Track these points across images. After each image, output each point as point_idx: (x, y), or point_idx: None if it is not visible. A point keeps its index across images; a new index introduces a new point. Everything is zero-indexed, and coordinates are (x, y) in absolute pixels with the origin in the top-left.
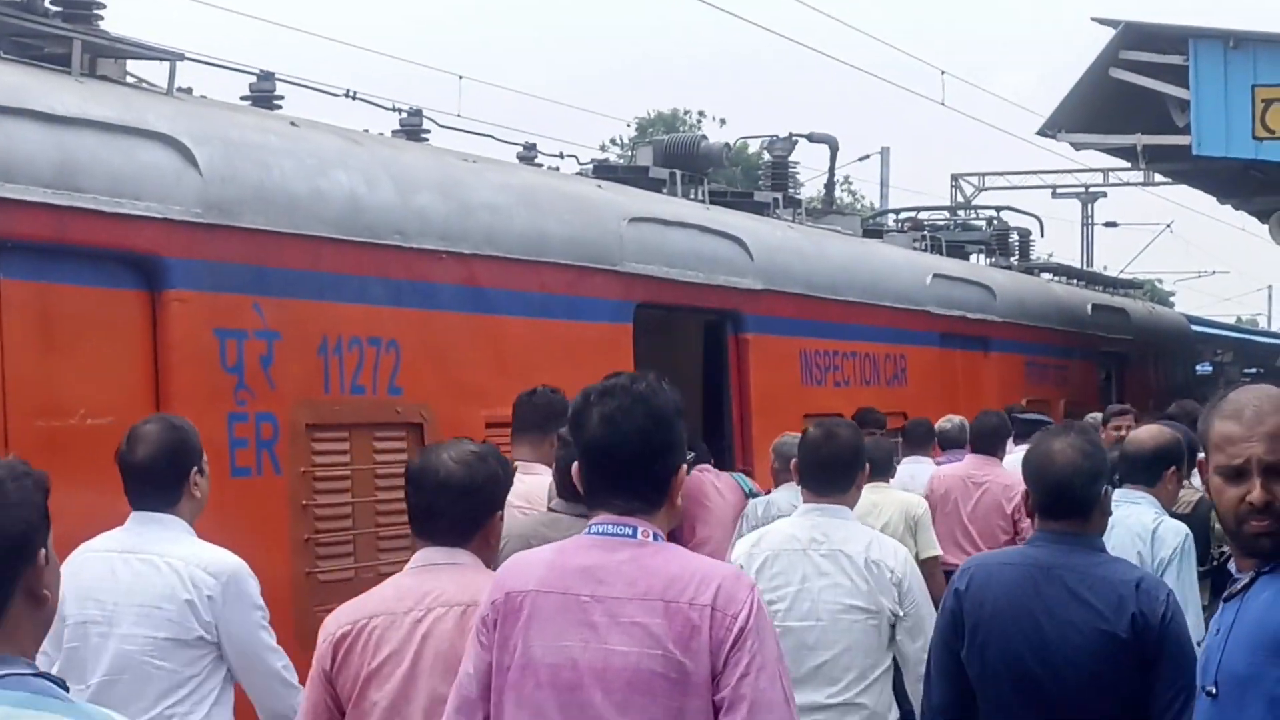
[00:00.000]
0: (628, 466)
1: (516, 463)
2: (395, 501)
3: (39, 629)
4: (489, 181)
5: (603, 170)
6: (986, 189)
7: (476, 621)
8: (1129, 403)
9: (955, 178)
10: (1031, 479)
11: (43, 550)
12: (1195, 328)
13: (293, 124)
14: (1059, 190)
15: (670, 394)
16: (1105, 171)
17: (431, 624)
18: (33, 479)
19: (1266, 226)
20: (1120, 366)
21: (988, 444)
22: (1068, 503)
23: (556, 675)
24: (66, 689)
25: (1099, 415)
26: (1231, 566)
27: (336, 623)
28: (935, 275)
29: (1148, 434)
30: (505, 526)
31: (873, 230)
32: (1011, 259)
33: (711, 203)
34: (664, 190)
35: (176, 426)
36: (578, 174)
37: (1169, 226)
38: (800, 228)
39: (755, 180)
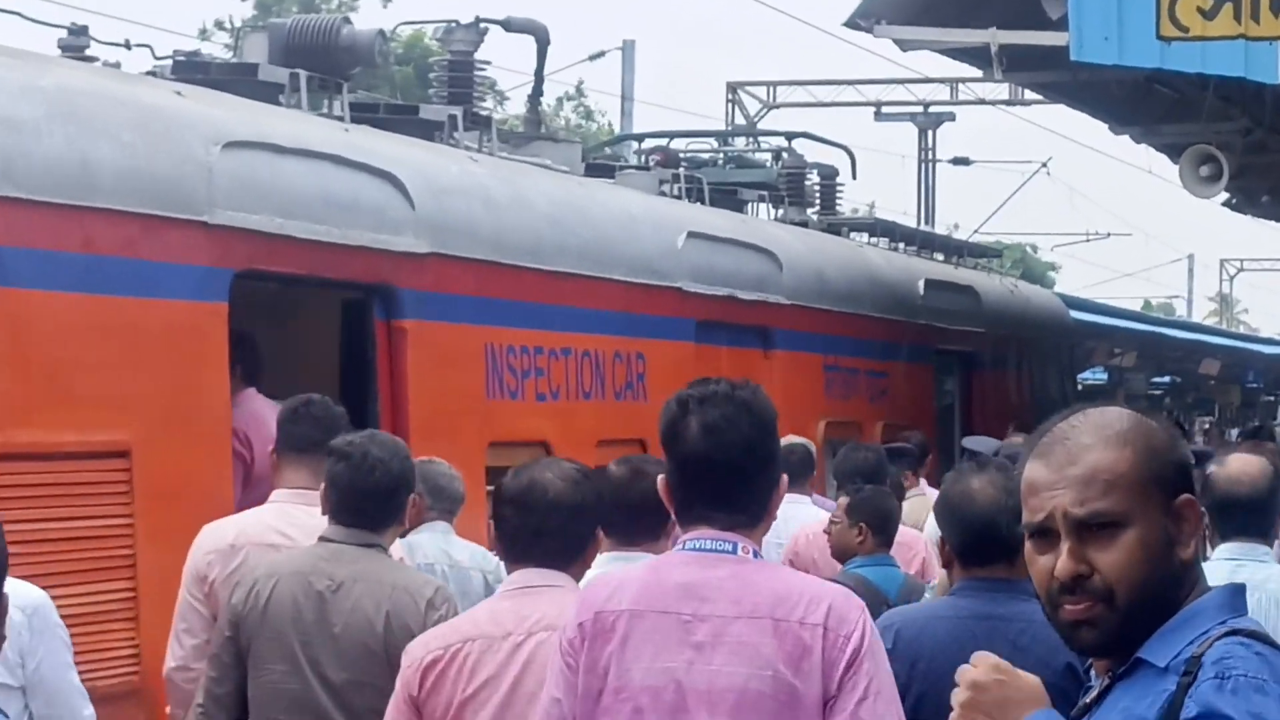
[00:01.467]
0: (732, 479)
1: (281, 491)
2: None
3: None
4: (0, 81)
5: (188, 68)
6: (777, 106)
7: (561, 644)
8: (980, 424)
9: (733, 89)
10: (950, 522)
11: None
12: (1080, 316)
13: None
14: (884, 110)
15: (768, 400)
16: (951, 84)
17: (533, 649)
18: None
19: (1177, 168)
20: (967, 372)
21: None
22: (994, 546)
23: (658, 698)
24: None
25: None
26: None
27: (425, 648)
28: (691, 234)
29: (1245, 466)
30: (268, 564)
31: (601, 166)
32: (809, 211)
33: (355, 120)
34: (282, 100)
35: None
36: (148, 74)
37: (1045, 167)
38: (490, 160)
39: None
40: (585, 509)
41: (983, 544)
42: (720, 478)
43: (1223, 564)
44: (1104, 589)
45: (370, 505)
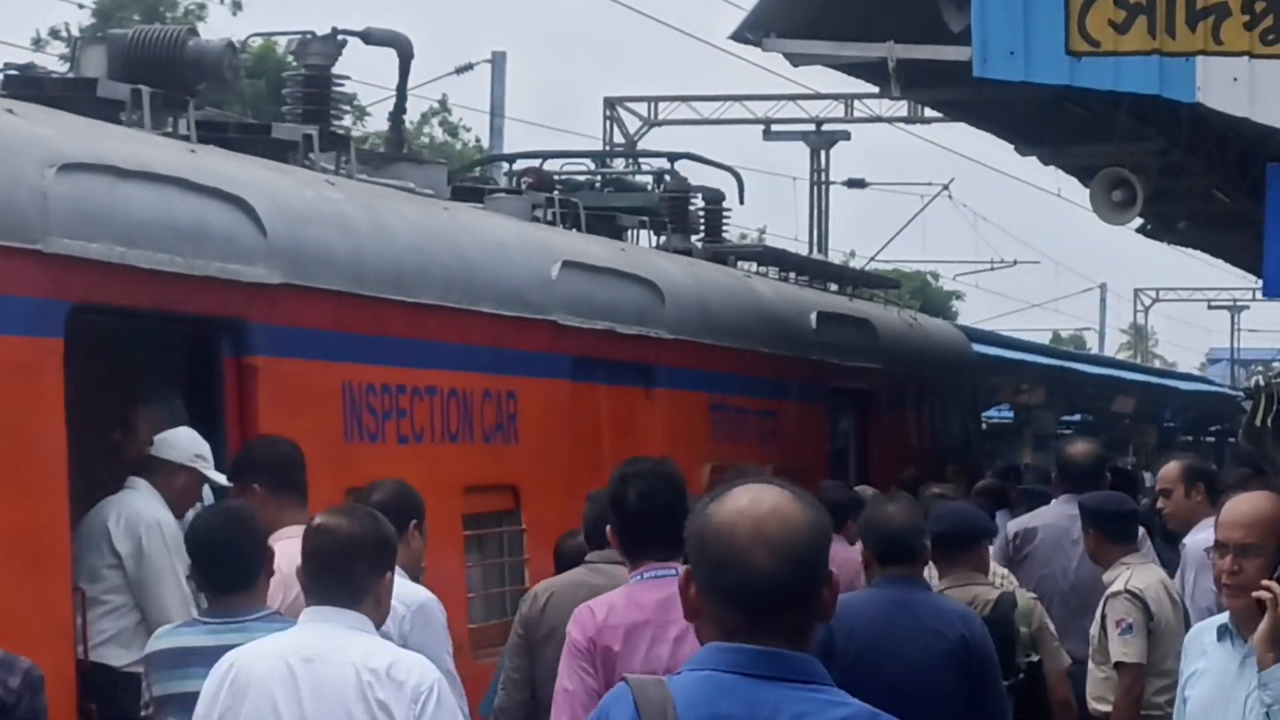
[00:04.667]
0: (665, 525)
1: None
2: None
3: None
4: None
5: (20, 84)
6: (659, 124)
7: (572, 649)
8: (877, 466)
9: (611, 104)
10: (873, 535)
11: None
12: (984, 349)
13: None
14: (774, 129)
15: (679, 470)
16: (846, 100)
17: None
18: None
19: (1088, 192)
20: (863, 412)
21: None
22: (905, 551)
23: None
24: None
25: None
26: None
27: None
28: (566, 264)
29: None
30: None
31: (469, 189)
32: (693, 238)
33: (202, 139)
34: (123, 118)
35: None
36: None
37: (946, 190)
38: (349, 183)
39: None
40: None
41: (898, 549)
42: (656, 526)
43: None
44: None
45: None
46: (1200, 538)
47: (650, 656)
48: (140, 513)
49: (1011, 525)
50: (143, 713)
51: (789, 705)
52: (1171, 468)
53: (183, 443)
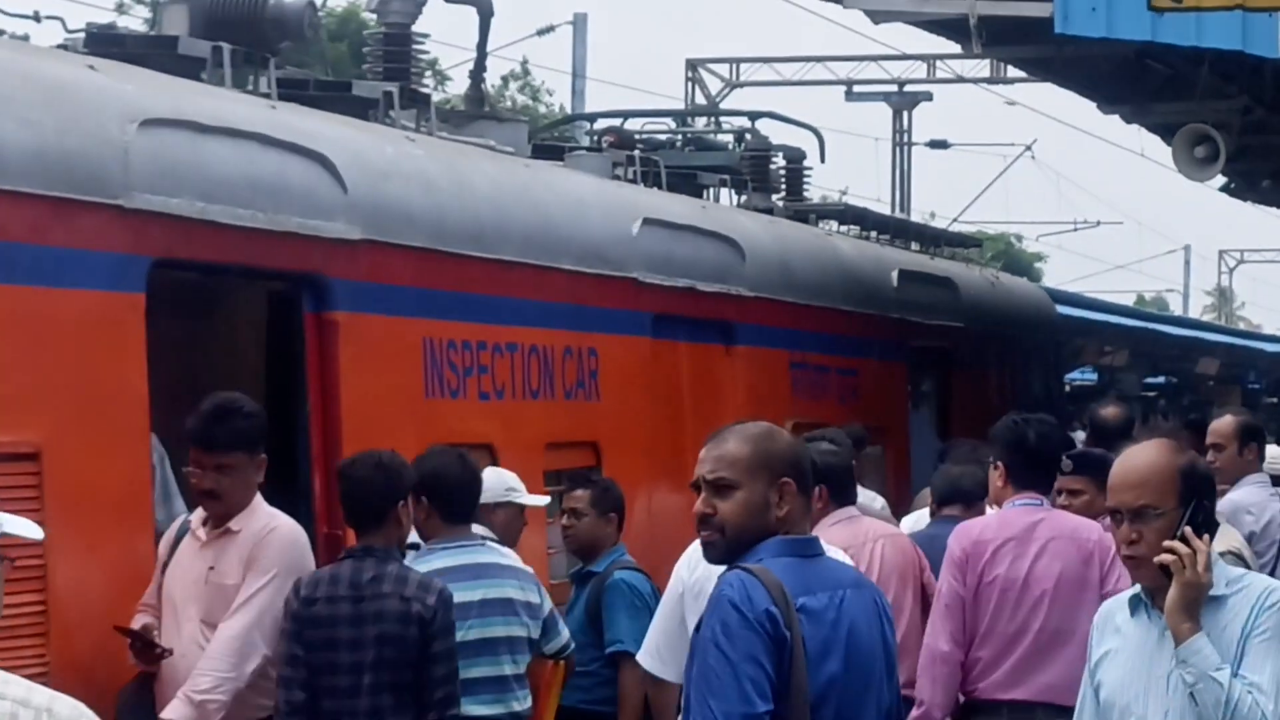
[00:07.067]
0: (1052, 465)
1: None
2: None
3: None
4: None
5: (102, 42)
6: (740, 85)
7: (951, 560)
8: (958, 426)
9: (693, 66)
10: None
11: None
12: (1068, 311)
13: None
14: (856, 90)
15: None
16: (929, 61)
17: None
18: None
19: (1171, 150)
20: (944, 371)
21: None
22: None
23: (1013, 583)
24: None
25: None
26: None
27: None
28: (647, 221)
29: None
30: None
31: (549, 147)
32: (774, 197)
33: (283, 97)
34: (204, 75)
35: None
36: (59, 47)
37: (1029, 150)
38: (429, 141)
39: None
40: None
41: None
42: (1046, 464)
43: None
44: None
45: None
46: (1233, 495)
47: (1012, 567)
48: None
49: None
50: None
51: (840, 572)
52: (1226, 422)
53: (491, 484)
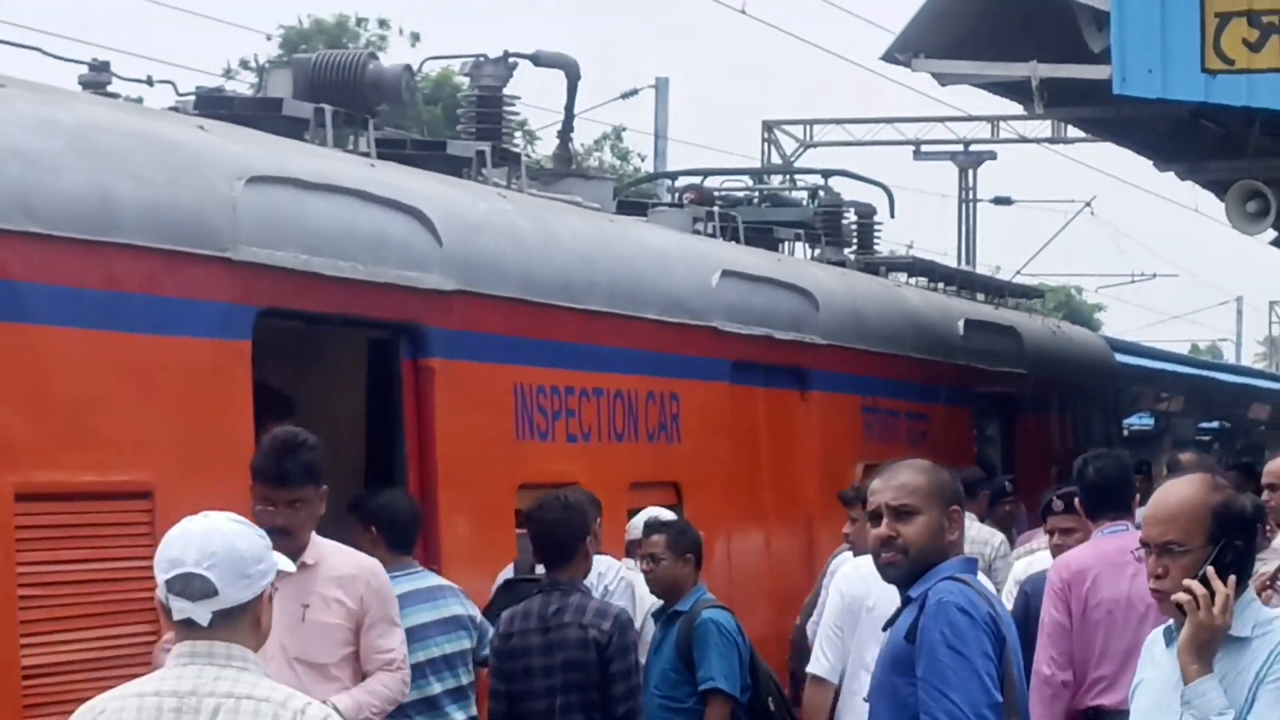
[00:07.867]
0: (1120, 492)
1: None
2: None
3: None
4: (20, 115)
5: (211, 104)
6: (814, 145)
7: (1052, 589)
8: (1022, 468)
9: (769, 127)
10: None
11: None
12: (1126, 359)
13: None
14: (923, 149)
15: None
16: (993, 121)
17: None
18: None
19: (1223, 205)
20: (1008, 415)
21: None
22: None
23: (1117, 604)
24: None
25: None
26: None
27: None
28: (726, 273)
29: None
30: None
31: (633, 203)
32: (846, 250)
33: (381, 156)
34: (307, 135)
35: None
36: (170, 109)
37: (1089, 206)
38: (519, 197)
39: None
40: None
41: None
42: (1113, 494)
43: None
44: None
45: None
46: None
47: (1114, 589)
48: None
49: None
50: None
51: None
52: (1278, 463)
53: (633, 524)
